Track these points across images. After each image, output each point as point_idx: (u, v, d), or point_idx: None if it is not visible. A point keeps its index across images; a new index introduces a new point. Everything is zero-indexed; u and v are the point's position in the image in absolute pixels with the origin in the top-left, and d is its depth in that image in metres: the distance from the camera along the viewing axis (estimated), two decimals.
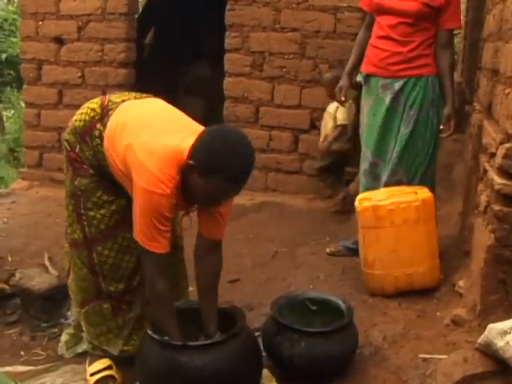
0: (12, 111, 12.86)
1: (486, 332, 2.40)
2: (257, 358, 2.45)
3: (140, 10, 6.38)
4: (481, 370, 2.41)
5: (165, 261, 2.37)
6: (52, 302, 3.32)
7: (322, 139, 5.09)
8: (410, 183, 3.49)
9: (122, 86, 5.54)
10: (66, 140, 2.61)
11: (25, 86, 5.98)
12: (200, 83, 6.79)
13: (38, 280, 3.40)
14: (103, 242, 2.62)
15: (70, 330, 3.01)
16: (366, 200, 3.30)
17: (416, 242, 3.22)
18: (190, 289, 3.00)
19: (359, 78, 3.69)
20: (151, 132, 2.36)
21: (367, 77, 3.60)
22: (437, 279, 3.29)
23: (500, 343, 2.31)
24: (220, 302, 3.41)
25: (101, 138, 2.50)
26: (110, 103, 2.56)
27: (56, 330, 3.25)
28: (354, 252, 3.81)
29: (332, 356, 2.51)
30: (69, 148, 2.60)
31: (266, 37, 5.20)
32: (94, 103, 2.60)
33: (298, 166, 5.29)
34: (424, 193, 3.26)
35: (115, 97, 2.64)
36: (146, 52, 6.62)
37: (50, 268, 3.75)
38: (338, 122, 5.03)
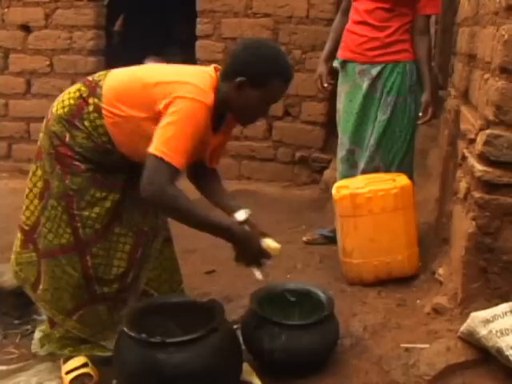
0: None
1: (468, 320, 2.38)
2: (237, 353, 2.39)
3: None
4: (464, 358, 2.40)
5: (176, 178, 2.26)
6: (24, 298, 3.21)
7: None
8: (387, 170, 3.46)
9: (92, 75, 5.40)
10: (54, 132, 2.46)
11: None
12: None
13: (9, 276, 3.27)
14: (98, 243, 2.50)
15: (43, 327, 2.92)
16: (343, 188, 3.26)
17: (394, 230, 3.19)
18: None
19: (335, 64, 3.63)
20: (167, 69, 2.45)
21: (344, 63, 3.55)
22: (416, 267, 3.27)
23: (483, 332, 2.30)
24: (197, 294, 3.39)
25: (97, 111, 2.39)
26: (95, 78, 2.50)
27: (29, 326, 3.14)
28: (330, 240, 3.78)
29: (313, 349, 2.46)
30: (57, 142, 2.44)
31: (237, 23, 5.12)
32: (75, 87, 2.51)
33: (272, 154, 5.23)
34: (402, 180, 3.23)
35: (97, 74, 2.56)
36: (116, 39, 6.50)
37: None
38: None
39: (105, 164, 2.45)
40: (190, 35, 5.42)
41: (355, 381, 2.51)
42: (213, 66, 2.46)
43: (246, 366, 2.56)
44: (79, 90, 2.46)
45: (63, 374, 2.66)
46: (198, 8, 5.18)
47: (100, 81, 2.45)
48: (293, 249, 3.88)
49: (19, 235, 2.65)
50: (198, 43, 5.25)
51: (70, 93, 2.49)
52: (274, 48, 2.45)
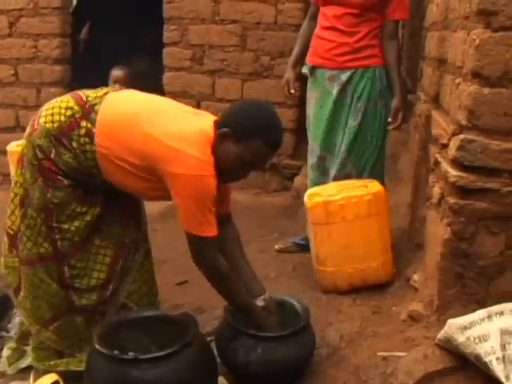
0: None
1: (445, 327, 2.36)
2: (212, 367, 2.34)
3: (74, 3, 6.12)
4: (442, 366, 2.37)
5: (217, 242, 2.36)
6: None
7: None
8: (359, 176, 3.43)
9: (58, 84, 5.35)
10: (39, 145, 2.38)
11: None
12: (139, 78, 6.58)
13: None
14: (76, 254, 2.46)
15: (12, 344, 2.82)
16: (315, 195, 3.22)
17: (368, 236, 3.16)
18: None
19: (304, 70, 3.60)
20: (169, 119, 2.34)
21: (313, 69, 3.52)
22: (390, 274, 3.25)
23: (461, 338, 2.27)
24: (169, 305, 3.32)
25: (89, 135, 2.32)
26: (89, 98, 2.40)
27: None
28: (303, 248, 3.75)
29: (290, 361, 2.41)
30: (41, 155, 2.37)
31: (205, 29, 5.07)
32: (66, 101, 2.41)
33: None
34: (375, 186, 3.21)
35: (90, 92, 2.47)
36: (81, 47, 6.40)
37: None
38: None
39: (87, 183, 2.41)
40: (157, 42, 5.36)
41: None
42: (212, 119, 2.39)
43: (221, 380, 2.51)
44: (71, 108, 2.38)
45: None
46: (164, 15, 5.12)
47: (96, 105, 2.37)
48: (265, 257, 3.83)
49: (5, 239, 2.58)
50: (166, 50, 5.18)
51: (60, 108, 2.39)
52: (270, 113, 2.36)
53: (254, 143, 2.26)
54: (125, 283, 2.61)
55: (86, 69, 5.72)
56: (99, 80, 5.39)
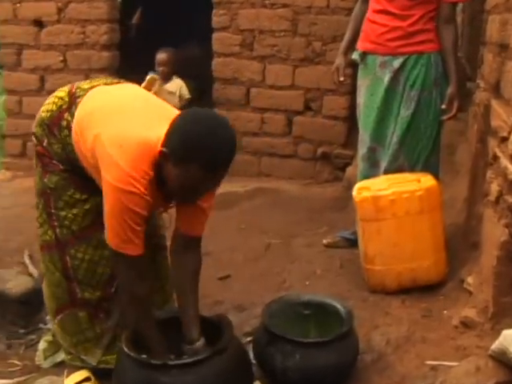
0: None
1: (500, 338, 2.15)
2: (246, 374, 2.22)
3: None
4: (495, 380, 2.17)
5: (142, 263, 2.17)
6: (29, 306, 3.08)
7: None
8: (412, 169, 3.23)
9: (106, 70, 5.27)
10: (34, 133, 2.40)
11: (4, 72, 5.68)
12: (190, 64, 6.48)
13: (14, 283, 3.16)
14: (76, 245, 2.40)
15: (49, 337, 2.78)
16: (364, 190, 3.04)
17: (420, 234, 2.97)
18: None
19: (355, 56, 3.40)
20: (121, 121, 2.13)
21: (364, 54, 3.32)
22: (443, 274, 3.05)
23: None
24: (209, 302, 3.21)
25: (69, 129, 2.27)
26: (78, 90, 2.33)
27: (34, 336, 3.01)
28: (352, 243, 3.58)
29: (330, 369, 2.27)
30: (36, 142, 2.39)
31: (255, 14, 4.89)
32: (62, 91, 2.38)
33: (293, 150, 5.01)
34: (428, 181, 3.00)
35: (84, 83, 2.41)
36: (133, 32, 6.33)
37: (30, 267, 3.50)
38: (186, 97, 5.10)
39: (82, 172, 2.31)
40: (207, 28, 5.22)
41: None
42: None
43: None
44: (62, 99, 2.33)
45: None
46: None
47: (79, 97, 2.29)
48: (312, 252, 3.68)
49: None
50: (215, 36, 5.05)
51: (55, 97, 2.38)
52: (212, 127, 1.97)
53: (190, 168, 1.95)
54: None
55: (137, 54, 5.64)
56: (149, 65, 5.34)
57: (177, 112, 2.20)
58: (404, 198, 2.94)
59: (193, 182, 2.00)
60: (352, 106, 4.50)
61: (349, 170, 4.71)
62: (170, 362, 2.05)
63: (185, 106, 4.86)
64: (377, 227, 2.98)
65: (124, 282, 2.19)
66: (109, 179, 2.03)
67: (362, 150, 3.38)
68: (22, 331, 3.05)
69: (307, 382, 2.27)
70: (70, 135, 2.26)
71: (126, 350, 2.10)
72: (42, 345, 2.81)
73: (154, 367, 2.04)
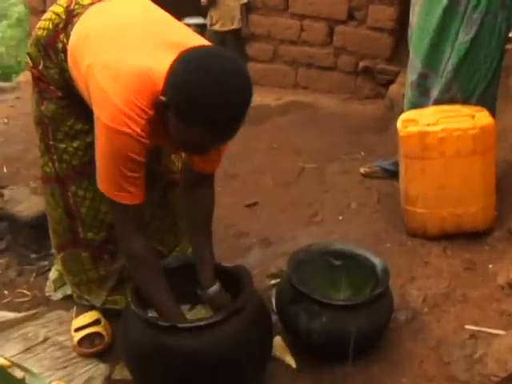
0: None
1: None
2: (266, 336, 1.99)
3: None
4: None
5: (139, 214, 1.87)
6: (40, 230, 2.87)
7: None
8: (465, 102, 2.86)
9: None
10: (29, 53, 2.05)
11: None
12: None
13: (26, 205, 2.95)
14: (77, 181, 2.12)
15: (59, 266, 2.58)
16: (411, 123, 2.71)
17: (469, 177, 2.66)
18: None
19: None
20: (119, 47, 1.78)
21: None
22: (490, 221, 2.76)
23: None
24: (234, 231, 2.98)
25: (65, 52, 1.93)
26: (76, 6, 1.95)
27: (46, 262, 2.82)
28: (391, 174, 3.29)
29: (359, 334, 2.03)
30: (32, 63, 2.05)
31: None
32: (60, 6, 2.00)
33: (333, 62, 4.62)
34: (483, 117, 2.66)
35: None
36: None
37: None
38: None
39: (84, 100, 1.95)
40: None
41: (407, 371, 2.11)
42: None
43: (278, 341, 2.20)
44: (59, 16, 1.96)
45: (72, 331, 2.35)
46: None
47: (77, 15, 1.92)
48: (348, 182, 3.40)
49: None
50: None
51: (53, 12, 2.00)
52: (221, 77, 1.58)
53: (194, 126, 1.60)
54: None
55: None
56: None
57: (193, 38, 1.85)
58: (455, 137, 2.61)
59: (197, 140, 1.66)
60: (400, 18, 4.11)
61: (392, 87, 4.35)
62: (179, 325, 1.82)
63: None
64: (421, 166, 2.67)
65: (119, 235, 1.90)
66: (101, 117, 1.72)
67: (411, 75, 3.00)
68: (33, 256, 2.87)
69: (333, 346, 2.05)
70: (66, 60, 1.93)
71: (131, 305, 1.88)
72: (52, 274, 2.62)
73: (161, 329, 1.83)
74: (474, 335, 2.18)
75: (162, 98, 1.65)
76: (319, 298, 2.05)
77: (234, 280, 2.03)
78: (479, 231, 2.75)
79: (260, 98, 4.54)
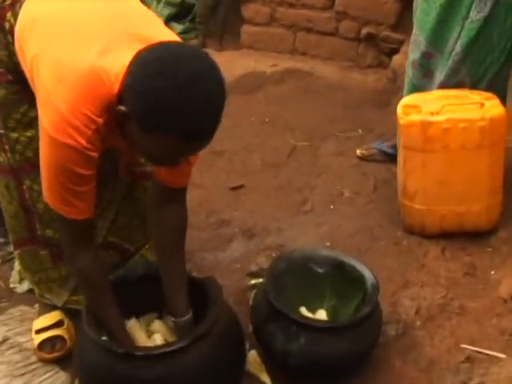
0: None
1: None
2: (237, 357, 1.79)
3: None
4: None
5: (88, 229, 1.66)
6: None
7: None
8: (473, 87, 2.58)
9: None
10: None
11: None
12: None
13: None
14: (33, 174, 1.87)
15: (18, 262, 2.35)
16: (412, 110, 2.44)
17: (475, 172, 2.40)
18: None
19: None
20: (68, 38, 1.51)
21: None
22: (495, 221, 2.52)
23: None
24: (215, 220, 2.74)
25: (12, 34, 1.66)
26: None
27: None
28: (390, 157, 3.03)
29: (341, 358, 1.82)
30: None
31: None
32: None
33: (334, 27, 4.28)
34: (493, 107, 2.38)
35: None
36: None
37: None
38: None
39: None
40: None
41: None
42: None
43: (253, 356, 2.00)
44: None
45: (33, 333, 2.14)
46: None
47: None
48: (342, 164, 3.14)
49: None
50: None
51: None
52: (190, 78, 1.34)
53: (161, 136, 1.38)
54: (103, 219, 2.01)
55: None
56: None
57: (163, 33, 1.58)
58: (461, 128, 2.34)
59: (164, 152, 1.44)
60: None
61: (396, 58, 4.04)
62: (135, 353, 1.61)
63: None
64: (422, 159, 2.42)
65: (65, 249, 1.71)
66: (44, 123, 1.48)
67: (414, 53, 2.71)
68: (1, 240, 2.63)
69: (312, 371, 1.83)
70: (14, 43, 1.66)
71: (84, 325, 1.66)
72: (18, 263, 2.40)
73: (116, 355, 1.61)
74: (470, 357, 1.98)
75: (122, 108, 1.40)
76: (297, 318, 1.82)
77: (202, 293, 1.81)
78: (482, 231, 2.51)
79: (255, 63, 4.26)
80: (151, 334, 1.88)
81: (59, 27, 1.54)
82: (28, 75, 1.59)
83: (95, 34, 1.51)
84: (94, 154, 1.49)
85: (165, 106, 1.33)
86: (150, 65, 1.36)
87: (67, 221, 1.58)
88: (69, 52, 1.47)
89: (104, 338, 1.65)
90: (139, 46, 1.42)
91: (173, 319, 1.82)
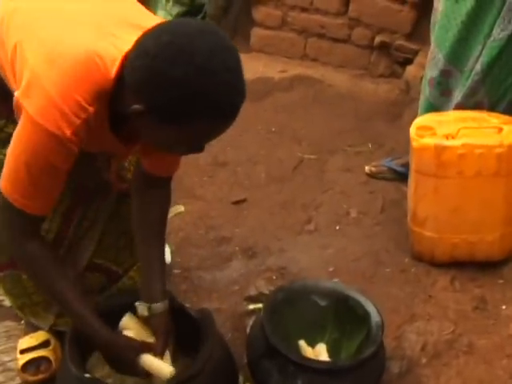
0: None
1: None
2: None
3: None
4: None
5: (40, 222, 1.55)
6: None
7: None
8: (492, 108, 2.47)
9: None
10: None
11: None
12: None
13: None
14: None
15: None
16: (426, 131, 2.32)
17: (490, 201, 2.29)
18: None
19: None
20: (57, 23, 1.42)
21: None
22: (508, 251, 2.40)
23: None
24: (214, 236, 2.62)
25: None
26: None
27: None
28: (400, 176, 2.90)
29: None
30: None
31: None
32: None
33: (346, 34, 4.14)
34: None
35: None
36: None
37: None
38: None
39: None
40: None
41: None
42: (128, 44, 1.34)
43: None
44: None
45: (18, 353, 2.04)
46: None
47: None
48: (350, 182, 3.01)
49: None
50: None
51: None
52: (210, 58, 1.26)
53: (191, 125, 1.30)
54: (88, 239, 1.89)
55: None
56: None
57: (146, 14, 1.51)
58: (477, 155, 2.22)
59: (191, 138, 1.36)
60: None
61: (410, 68, 3.90)
62: None
63: None
64: (435, 185, 2.29)
65: (8, 240, 1.55)
66: (25, 105, 1.35)
67: (431, 71, 2.58)
68: None
69: None
70: None
71: (67, 360, 1.55)
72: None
73: None
74: None
75: (137, 107, 1.29)
76: (295, 358, 1.70)
77: (194, 325, 1.69)
78: (494, 261, 2.39)
79: (263, 68, 4.13)
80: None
81: (43, 12, 1.44)
82: (8, 69, 1.46)
83: (83, 19, 1.43)
84: (75, 149, 1.38)
85: (191, 92, 1.25)
86: (163, 53, 1.25)
87: (19, 213, 1.45)
88: (58, 36, 1.37)
89: (87, 375, 1.53)
90: (132, 31, 1.34)
91: (147, 305, 1.67)
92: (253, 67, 4.10)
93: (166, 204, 1.78)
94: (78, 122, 1.34)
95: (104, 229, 1.90)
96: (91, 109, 1.35)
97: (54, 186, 1.46)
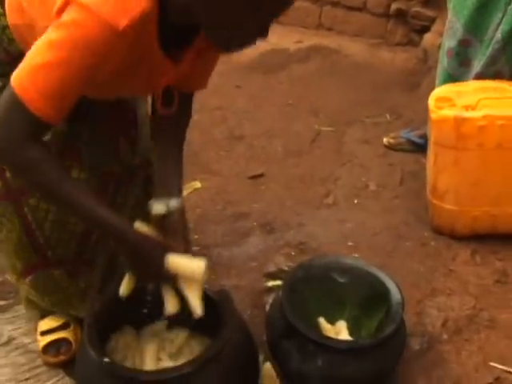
0: None
1: None
2: (247, 380, 1.66)
3: None
4: None
5: (45, 130, 1.38)
6: None
7: None
8: None
9: None
10: None
11: None
12: None
13: None
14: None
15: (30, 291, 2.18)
16: (445, 103, 2.27)
17: (511, 173, 2.24)
18: None
19: None
20: None
21: None
22: None
23: None
24: (232, 212, 2.60)
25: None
26: None
27: None
28: (419, 148, 2.87)
29: (362, 380, 1.69)
30: None
31: None
32: None
33: (362, 2, 4.09)
34: None
35: None
36: None
37: None
38: None
39: None
40: None
41: None
42: None
43: (267, 369, 1.85)
44: None
45: (38, 335, 2.04)
46: None
47: None
48: (368, 154, 2.98)
49: None
50: None
51: None
52: None
53: None
54: None
55: None
56: None
57: None
58: (498, 126, 2.17)
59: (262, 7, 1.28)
60: None
61: (427, 36, 3.85)
62: (140, 377, 1.50)
63: None
64: (455, 157, 2.25)
65: (4, 145, 1.34)
66: None
67: (449, 41, 2.52)
68: None
69: None
70: (3, 13, 1.48)
71: (87, 344, 1.55)
72: (30, 292, 2.24)
73: (121, 379, 1.50)
74: (499, 378, 1.83)
75: None
76: (315, 337, 1.69)
77: (212, 307, 1.68)
78: None
79: (278, 39, 4.07)
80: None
81: None
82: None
83: None
84: (123, 49, 1.28)
85: None
86: None
87: (27, 115, 1.30)
88: None
89: (106, 359, 1.52)
90: None
91: (165, 200, 1.58)
92: (267, 38, 4.04)
93: (187, 117, 1.69)
94: (135, 14, 1.24)
95: (130, 215, 1.85)
96: (148, 5, 1.26)
97: (76, 91, 1.33)
